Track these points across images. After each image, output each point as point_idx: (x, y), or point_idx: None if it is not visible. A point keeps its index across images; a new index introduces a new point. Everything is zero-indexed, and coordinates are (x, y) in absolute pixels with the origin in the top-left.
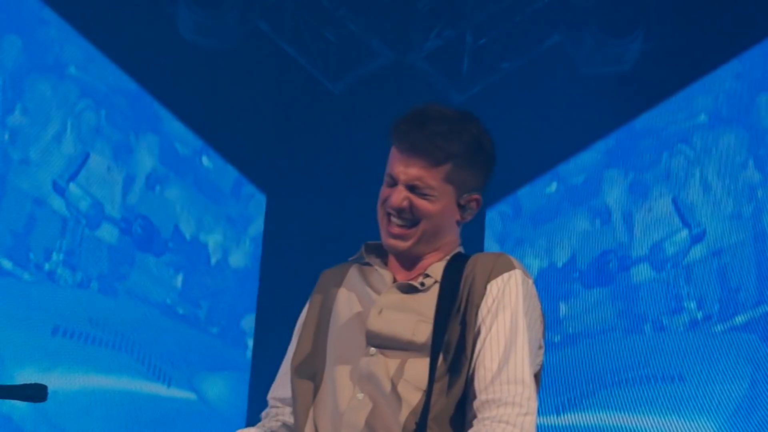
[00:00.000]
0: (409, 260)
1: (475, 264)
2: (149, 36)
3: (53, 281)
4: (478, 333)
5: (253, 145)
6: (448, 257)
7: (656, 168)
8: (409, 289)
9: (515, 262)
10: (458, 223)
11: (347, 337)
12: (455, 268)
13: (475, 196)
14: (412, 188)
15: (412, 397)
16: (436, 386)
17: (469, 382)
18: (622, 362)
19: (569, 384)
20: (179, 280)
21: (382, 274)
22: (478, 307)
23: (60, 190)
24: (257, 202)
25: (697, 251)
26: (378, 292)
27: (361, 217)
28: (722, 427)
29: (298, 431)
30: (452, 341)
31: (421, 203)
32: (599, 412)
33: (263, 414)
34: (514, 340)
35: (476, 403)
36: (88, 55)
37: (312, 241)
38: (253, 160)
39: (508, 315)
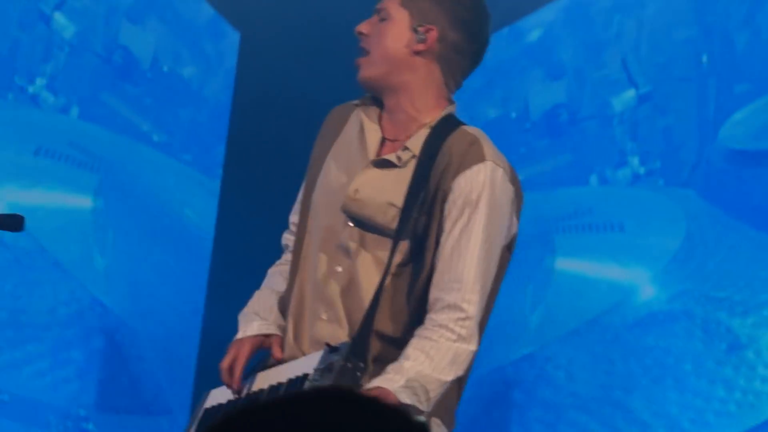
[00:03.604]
0: (393, 115)
1: (451, 148)
2: None
3: (36, 105)
4: (441, 229)
5: None
6: (432, 123)
7: (609, 29)
8: (385, 164)
9: (487, 151)
10: (416, 53)
11: (332, 203)
12: (433, 145)
13: (432, 26)
14: (379, 15)
15: (376, 282)
16: (394, 273)
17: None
18: (567, 210)
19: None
20: (156, 110)
21: (373, 130)
22: (444, 200)
23: (45, 19)
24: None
25: (643, 110)
26: (366, 152)
27: (338, 59)
28: (658, 275)
29: (287, 294)
30: (417, 230)
31: (376, 26)
32: (544, 256)
33: (284, 241)
34: (467, 240)
35: (429, 300)
36: None
37: (284, 81)
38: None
39: (468, 213)
